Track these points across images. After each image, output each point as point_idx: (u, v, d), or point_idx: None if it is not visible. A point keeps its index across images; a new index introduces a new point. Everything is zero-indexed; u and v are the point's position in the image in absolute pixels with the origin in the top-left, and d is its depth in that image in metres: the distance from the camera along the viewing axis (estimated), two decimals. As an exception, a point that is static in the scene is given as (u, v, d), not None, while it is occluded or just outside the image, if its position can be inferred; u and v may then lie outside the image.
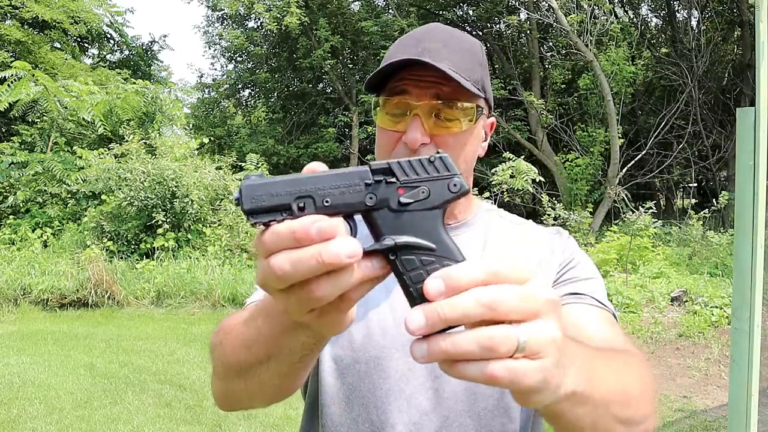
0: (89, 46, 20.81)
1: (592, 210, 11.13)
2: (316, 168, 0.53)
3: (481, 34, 17.66)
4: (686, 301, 6.35)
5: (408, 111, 0.86)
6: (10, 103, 11.31)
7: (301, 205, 0.50)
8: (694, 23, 14.55)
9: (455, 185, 0.52)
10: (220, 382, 0.79)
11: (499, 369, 0.43)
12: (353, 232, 0.51)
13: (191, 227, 9.47)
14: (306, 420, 0.98)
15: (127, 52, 22.03)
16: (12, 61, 12.48)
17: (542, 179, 9.53)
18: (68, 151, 11.31)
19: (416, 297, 0.49)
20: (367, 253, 0.49)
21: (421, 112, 0.85)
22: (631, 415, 0.63)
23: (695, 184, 13.46)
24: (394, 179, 0.51)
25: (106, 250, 8.99)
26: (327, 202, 0.50)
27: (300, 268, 0.45)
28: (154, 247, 9.15)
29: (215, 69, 36.32)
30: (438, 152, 0.53)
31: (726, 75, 14.96)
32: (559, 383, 0.49)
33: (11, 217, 10.41)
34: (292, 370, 0.67)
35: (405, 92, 0.86)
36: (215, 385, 0.81)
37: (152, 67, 22.79)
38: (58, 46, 18.29)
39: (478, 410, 0.86)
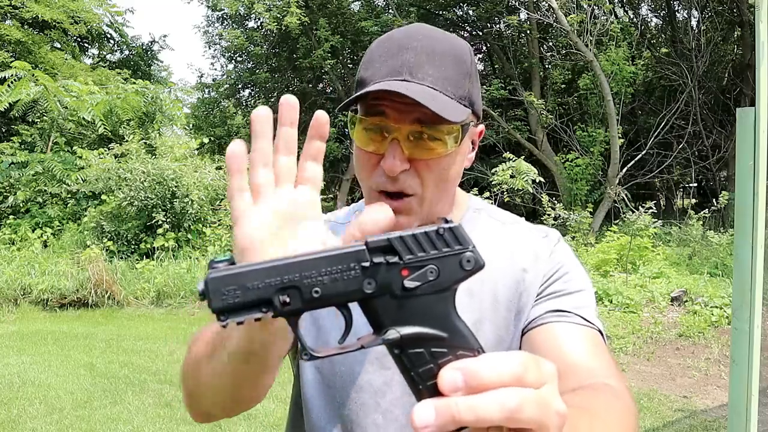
0: (89, 46, 20.81)
1: (592, 210, 11.12)
2: (259, 114, 0.53)
3: (481, 34, 17.66)
4: (686, 301, 6.35)
5: (388, 131, 0.79)
6: (10, 103, 11.31)
7: (285, 299, 0.42)
8: (694, 23, 14.56)
9: (469, 261, 0.43)
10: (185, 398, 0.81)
11: None
12: (348, 324, 0.46)
13: (191, 227, 9.47)
14: (290, 427, 0.98)
15: (127, 52, 22.03)
16: (12, 61, 12.48)
17: (542, 179, 9.53)
18: (68, 151, 11.32)
19: (423, 392, 0.42)
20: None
21: (401, 137, 0.77)
22: None
23: (695, 184, 13.46)
24: (396, 258, 0.43)
25: (106, 250, 8.99)
26: (316, 292, 0.42)
27: None
28: (154, 247, 9.15)
29: (215, 69, 36.30)
30: (447, 221, 0.44)
31: (726, 75, 14.96)
32: None
33: (11, 217, 10.41)
34: (228, 367, 0.66)
35: (382, 111, 0.78)
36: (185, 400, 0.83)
37: (152, 67, 22.79)
38: (58, 46, 18.29)
39: None
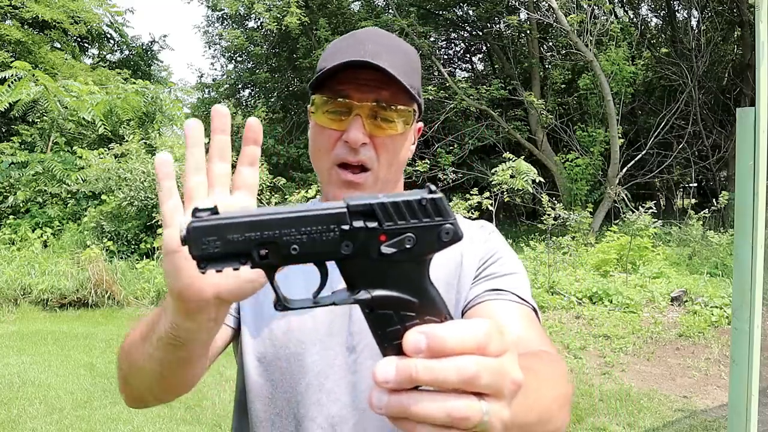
0: (89, 46, 20.81)
1: (592, 210, 11.12)
2: (191, 125, 0.59)
3: (481, 34, 17.66)
4: (686, 301, 6.35)
5: (349, 111, 0.87)
6: (10, 103, 11.31)
7: (263, 253, 0.42)
8: (694, 23, 14.56)
9: (447, 233, 0.43)
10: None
11: None
12: (323, 279, 0.46)
13: (191, 227, 9.46)
14: (236, 419, 1.00)
15: (127, 52, 22.03)
16: (12, 61, 12.48)
17: (542, 179, 9.53)
18: (68, 151, 11.32)
19: (390, 352, 0.43)
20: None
21: (363, 113, 0.87)
22: (552, 429, 0.63)
23: (695, 184, 13.45)
24: (375, 224, 0.43)
25: (106, 250, 8.99)
26: (294, 249, 0.42)
27: None
28: (154, 247, 9.15)
29: (215, 69, 36.31)
30: (431, 190, 0.44)
31: (726, 75, 14.96)
32: None
33: (11, 217, 10.41)
34: (157, 350, 0.69)
35: (346, 93, 0.87)
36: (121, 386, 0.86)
37: (152, 67, 22.80)
38: (58, 46, 18.29)
39: None
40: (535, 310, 0.88)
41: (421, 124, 0.98)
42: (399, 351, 0.42)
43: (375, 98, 0.87)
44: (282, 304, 0.46)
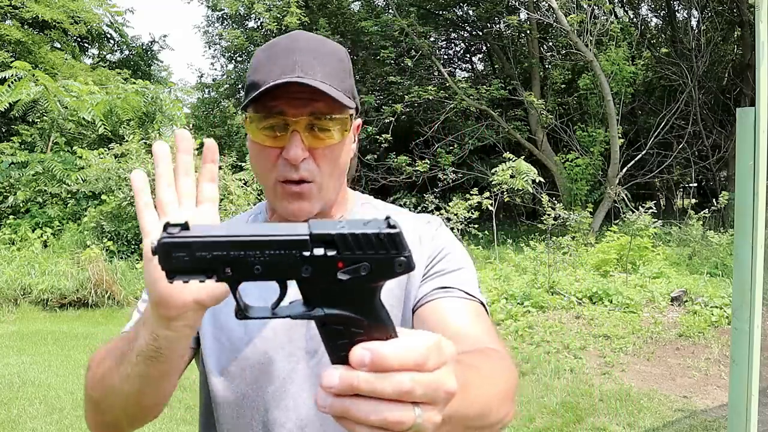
0: (89, 46, 20.82)
1: (592, 210, 11.12)
2: (158, 148, 0.67)
3: (481, 34, 17.66)
4: (686, 301, 6.35)
5: (285, 127, 0.87)
6: (10, 103, 11.31)
7: (228, 270, 0.46)
8: (694, 23, 14.56)
9: (401, 265, 0.46)
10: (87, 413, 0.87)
11: None
12: (282, 293, 0.50)
13: (191, 227, 9.47)
14: (202, 429, 1.01)
15: (127, 52, 22.03)
16: (12, 61, 12.49)
17: (542, 179, 9.53)
18: (68, 151, 11.32)
19: (338, 362, 0.47)
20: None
21: (299, 128, 0.87)
22: (489, 422, 0.67)
23: (695, 184, 13.46)
24: (334, 252, 0.46)
25: (106, 250, 8.99)
26: (257, 269, 0.46)
27: None
28: (154, 247, 9.15)
29: (215, 69, 36.31)
30: (390, 225, 0.46)
31: (726, 75, 14.96)
32: None
33: (11, 217, 10.41)
34: (133, 372, 0.72)
35: (281, 110, 0.87)
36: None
37: (152, 67, 22.80)
38: (58, 46, 18.29)
39: None
40: (483, 303, 0.91)
41: (359, 121, 0.98)
42: (346, 361, 0.46)
43: (310, 111, 0.86)
44: (242, 313, 0.49)
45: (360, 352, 0.45)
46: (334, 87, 0.86)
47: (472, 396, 0.62)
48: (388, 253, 0.46)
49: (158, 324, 0.67)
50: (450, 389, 0.48)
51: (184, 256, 0.45)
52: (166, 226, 0.46)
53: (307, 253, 0.45)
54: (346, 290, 0.46)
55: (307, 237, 0.45)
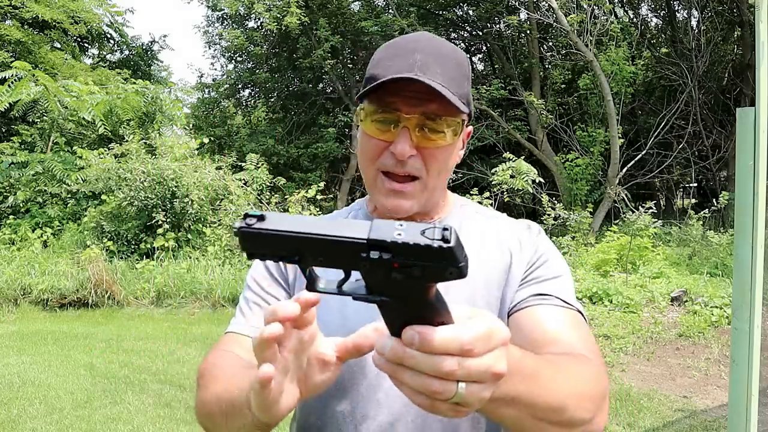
0: (89, 46, 20.81)
1: (592, 210, 11.12)
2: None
3: (481, 34, 17.66)
4: (686, 301, 6.35)
5: (396, 123, 0.89)
6: (10, 103, 11.31)
7: (296, 259, 0.52)
8: (694, 23, 14.56)
9: (451, 273, 0.49)
10: (198, 418, 0.88)
11: (426, 404, 0.54)
12: (346, 276, 0.55)
13: (191, 227, 9.47)
14: (300, 422, 1.00)
15: (127, 52, 22.03)
16: (12, 61, 12.49)
17: (542, 179, 9.53)
18: (68, 151, 11.32)
19: (393, 331, 0.53)
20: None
21: (410, 125, 0.88)
22: (567, 418, 0.69)
23: (695, 184, 13.46)
24: (390, 256, 0.48)
25: (106, 250, 8.98)
26: (320, 261, 0.51)
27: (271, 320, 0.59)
28: (154, 247, 9.15)
29: (215, 69, 36.27)
30: (444, 239, 0.48)
31: (726, 75, 14.96)
32: (473, 408, 0.56)
33: (11, 217, 10.41)
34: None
35: (395, 106, 0.88)
36: (198, 413, 0.88)
37: (152, 67, 22.79)
38: (58, 46, 18.29)
39: None
40: (581, 312, 0.92)
41: (470, 128, 0.99)
42: (398, 335, 0.52)
43: (422, 111, 0.87)
44: (311, 285, 0.56)
45: (410, 333, 0.51)
46: (450, 90, 0.87)
47: (543, 386, 0.66)
48: (439, 264, 0.48)
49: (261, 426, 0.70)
50: (498, 371, 0.53)
51: (261, 244, 0.52)
52: (245, 216, 0.52)
53: (364, 254, 0.49)
54: (402, 286, 0.50)
55: (365, 242, 0.49)
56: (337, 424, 0.92)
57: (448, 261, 0.48)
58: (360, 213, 1.07)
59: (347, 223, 0.51)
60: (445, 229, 0.48)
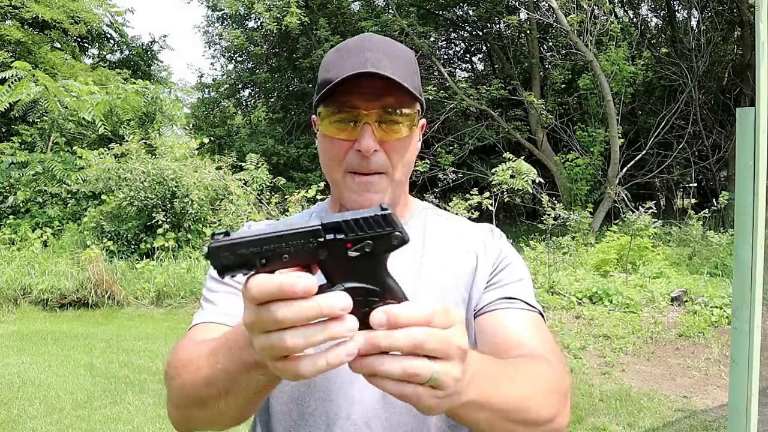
0: (89, 46, 20.81)
1: (592, 210, 11.12)
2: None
3: (481, 34, 17.66)
4: (686, 301, 6.35)
5: (356, 120, 0.90)
6: (10, 103, 11.31)
7: (263, 261, 0.56)
8: (694, 23, 14.56)
9: (396, 239, 0.58)
10: (177, 410, 0.83)
11: (409, 390, 0.57)
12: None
13: (191, 227, 9.47)
14: (260, 422, 0.99)
15: (127, 52, 22.03)
16: (12, 62, 12.48)
17: (542, 179, 9.52)
18: (68, 151, 11.32)
19: (362, 328, 0.57)
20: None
21: (370, 121, 0.89)
22: (532, 418, 0.74)
23: (695, 184, 13.46)
24: (342, 236, 0.57)
25: (106, 250, 8.98)
26: (285, 258, 0.56)
27: (300, 316, 0.54)
28: (154, 247, 9.15)
29: (215, 69, 36.32)
30: (382, 208, 0.58)
31: (726, 75, 14.96)
32: (450, 404, 0.60)
33: (11, 217, 10.41)
34: (248, 403, 0.73)
35: (353, 103, 0.89)
36: (172, 412, 0.85)
37: (152, 67, 22.79)
38: (58, 46, 18.29)
39: None
40: (541, 313, 0.96)
41: (423, 121, 1.01)
42: (368, 327, 0.56)
43: (381, 105, 0.89)
44: None
45: (378, 315, 0.56)
46: (404, 83, 0.88)
47: (507, 386, 0.70)
48: (384, 230, 0.57)
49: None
50: (461, 345, 0.57)
51: (229, 255, 0.56)
52: (213, 234, 0.57)
53: (321, 239, 0.56)
54: (358, 267, 0.57)
55: (320, 227, 0.57)
56: (309, 425, 0.91)
57: (391, 226, 0.57)
58: (322, 214, 1.06)
59: (302, 222, 0.58)
60: (380, 205, 0.59)
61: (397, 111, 0.90)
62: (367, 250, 0.57)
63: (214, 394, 0.73)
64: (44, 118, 11.76)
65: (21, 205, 10.47)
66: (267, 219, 8.93)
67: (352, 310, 0.56)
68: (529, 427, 0.74)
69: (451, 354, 0.57)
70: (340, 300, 0.54)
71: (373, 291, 0.58)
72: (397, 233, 0.58)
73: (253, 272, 0.56)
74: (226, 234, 0.57)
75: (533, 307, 0.95)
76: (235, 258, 0.56)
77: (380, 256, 0.58)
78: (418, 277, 0.96)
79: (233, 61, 19.89)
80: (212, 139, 15.00)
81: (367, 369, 0.56)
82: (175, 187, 9.18)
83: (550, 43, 16.59)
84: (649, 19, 17.17)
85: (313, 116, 0.99)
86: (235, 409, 0.74)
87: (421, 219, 1.05)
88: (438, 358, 0.56)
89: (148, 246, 9.20)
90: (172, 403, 0.83)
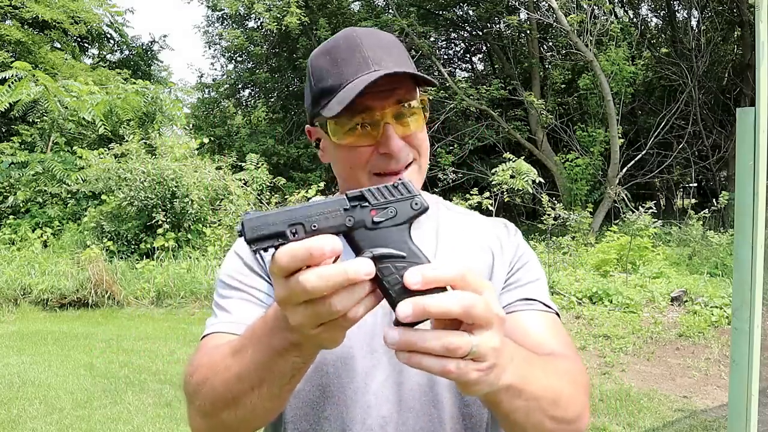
0: (89, 46, 20.81)
1: (592, 210, 11.12)
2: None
3: (481, 34, 17.66)
4: (686, 301, 6.35)
5: (374, 123, 0.86)
6: (10, 103, 11.31)
7: (294, 231, 0.58)
8: (694, 23, 14.56)
9: (416, 204, 0.61)
10: (206, 419, 0.79)
11: (452, 366, 0.55)
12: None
13: (191, 227, 9.47)
14: (271, 427, 0.97)
15: (127, 52, 22.03)
16: (12, 62, 12.49)
17: (542, 179, 9.53)
18: (68, 151, 11.32)
19: (394, 296, 0.57)
20: None
21: (390, 120, 0.86)
22: (560, 414, 0.73)
23: (695, 184, 13.45)
24: (366, 203, 0.60)
25: (106, 250, 8.99)
26: (314, 226, 0.58)
27: (328, 283, 0.54)
28: (154, 247, 9.15)
29: (215, 69, 36.31)
30: (400, 179, 0.62)
31: (726, 75, 14.96)
32: (494, 380, 0.60)
33: (11, 217, 10.41)
34: (283, 391, 0.71)
35: (366, 105, 0.85)
36: (199, 423, 0.81)
37: (152, 67, 22.80)
38: (58, 46, 18.29)
39: (439, 399, 0.91)
40: (557, 313, 0.96)
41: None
42: (400, 293, 0.57)
43: (396, 99, 0.86)
44: None
45: (412, 274, 0.55)
46: (408, 71, 0.86)
47: (541, 374, 0.70)
48: (404, 196, 0.61)
49: (310, 352, 0.66)
50: (500, 313, 0.57)
51: (261, 226, 0.58)
52: (245, 214, 0.59)
53: (347, 207, 0.59)
54: (383, 233, 0.60)
55: (345, 197, 0.60)
56: (324, 430, 0.89)
57: (410, 192, 0.61)
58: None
59: (325, 199, 0.61)
60: (398, 176, 0.63)
61: (411, 103, 0.87)
62: (391, 215, 0.60)
63: (247, 388, 0.71)
64: (44, 118, 11.76)
65: (21, 205, 10.48)
66: None
67: (380, 276, 0.57)
68: (558, 424, 0.73)
69: (492, 321, 0.56)
70: (364, 265, 0.54)
71: (398, 256, 0.59)
72: (417, 199, 0.61)
73: (281, 243, 0.57)
74: (257, 212, 0.60)
75: (550, 308, 0.94)
76: (267, 229, 0.58)
77: (404, 223, 0.60)
78: None
79: (233, 61, 19.89)
80: (212, 139, 15.00)
81: (404, 344, 0.54)
82: (175, 187, 9.18)
83: (550, 43, 16.58)
84: (649, 19, 17.18)
85: (309, 127, 0.95)
86: (269, 400, 0.72)
87: (434, 215, 1.02)
88: (476, 326, 0.55)
89: (148, 246, 9.20)
90: (201, 412, 0.79)
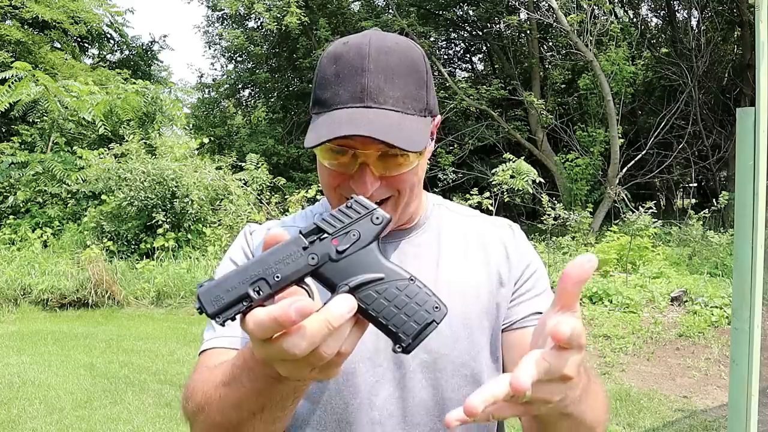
0: (89, 46, 20.80)
1: (592, 210, 11.12)
2: (277, 236, 0.57)
3: (481, 34, 17.65)
4: (686, 301, 6.35)
5: (354, 159, 0.80)
6: (10, 104, 11.31)
7: (257, 289, 0.53)
8: (694, 23, 14.55)
9: (377, 218, 0.57)
10: None
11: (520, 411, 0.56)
12: (309, 294, 0.56)
13: (191, 227, 9.47)
14: None
15: (127, 52, 22.02)
16: (12, 62, 12.48)
17: (542, 179, 9.53)
18: (68, 151, 11.32)
19: (385, 322, 0.55)
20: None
21: (370, 161, 0.79)
22: None
23: (695, 184, 13.44)
24: (325, 235, 0.56)
25: (106, 250, 8.98)
26: (277, 277, 0.54)
27: (314, 340, 0.52)
28: (154, 247, 9.15)
29: (215, 69, 36.30)
30: (351, 196, 0.58)
31: (726, 75, 14.95)
32: (571, 404, 0.59)
33: (11, 217, 10.41)
34: (284, 413, 0.70)
35: (348, 143, 0.79)
36: None
37: (152, 67, 22.78)
38: (58, 46, 18.29)
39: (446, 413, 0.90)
40: None
41: (439, 118, 0.90)
42: (391, 315, 0.54)
43: (379, 147, 0.78)
44: None
45: (564, 326, 0.53)
46: (407, 112, 0.79)
47: (593, 400, 0.69)
48: (361, 215, 0.57)
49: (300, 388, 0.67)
50: (568, 373, 0.55)
51: (219, 296, 0.53)
52: (198, 285, 0.55)
53: (305, 245, 0.55)
54: (353, 259, 0.55)
55: (300, 234, 0.56)
56: None
57: (366, 207, 0.57)
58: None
59: (279, 244, 0.56)
60: (350, 197, 0.59)
61: (402, 148, 0.76)
62: (354, 238, 0.55)
63: (247, 415, 0.69)
64: (44, 118, 11.76)
65: (21, 205, 10.47)
66: (267, 219, 8.92)
67: (363, 306, 0.54)
68: None
69: (582, 344, 0.56)
70: (344, 305, 0.52)
71: (377, 279, 0.55)
72: (377, 213, 0.57)
73: (248, 306, 0.53)
74: (209, 279, 0.56)
75: None
76: (227, 296, 0.53)
77: (370, 242, 0.56)
78: (435, 287, 0.90)
79: (233, 61, 19.88)
80: (212, 139, 15.00)
81: (538, 398, 0.55)
82: (175, 187, 9.18)
83: (550, 43, 16.58)
84: (649, 19, 17.17)
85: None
86: (272, 423, 0.70)
87: (435, 218, 0.98)
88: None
89: (148, 246, 9.20)
90: None
